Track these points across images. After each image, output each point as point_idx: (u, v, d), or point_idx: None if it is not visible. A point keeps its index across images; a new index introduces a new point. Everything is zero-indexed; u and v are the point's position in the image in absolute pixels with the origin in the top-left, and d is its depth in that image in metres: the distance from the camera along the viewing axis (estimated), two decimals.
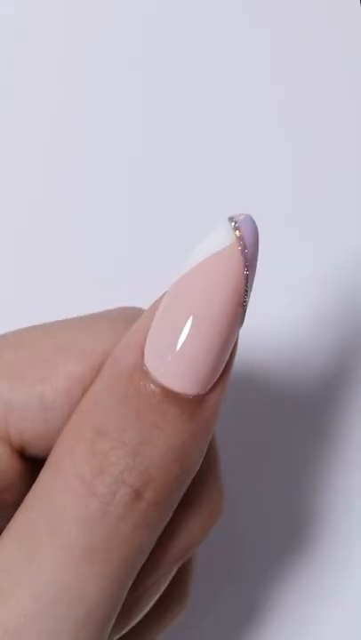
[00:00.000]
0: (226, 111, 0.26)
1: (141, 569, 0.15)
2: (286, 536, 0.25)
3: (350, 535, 0.25)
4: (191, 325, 0.14)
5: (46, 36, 0.26)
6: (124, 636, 0.17)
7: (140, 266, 0.25)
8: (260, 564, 0.24)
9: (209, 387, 0.14)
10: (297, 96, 0.27)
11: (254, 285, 0.14)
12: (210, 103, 0.26)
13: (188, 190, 0.26)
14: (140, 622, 0.17)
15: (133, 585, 0.15)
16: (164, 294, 0.15)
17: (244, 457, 0.24)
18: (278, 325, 0.25)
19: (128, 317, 0.16)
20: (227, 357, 0.15)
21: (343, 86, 0.27)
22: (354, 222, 0.26)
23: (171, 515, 0.15)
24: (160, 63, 0.26)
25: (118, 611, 0.15)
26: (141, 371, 0.14)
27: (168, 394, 0.14)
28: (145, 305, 0.15)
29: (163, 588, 0.17)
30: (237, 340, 0.15)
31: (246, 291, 0.14)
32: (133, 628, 0.17)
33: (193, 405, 0.14)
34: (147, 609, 0.17)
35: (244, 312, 0.14)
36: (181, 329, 0.14)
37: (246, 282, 0.14)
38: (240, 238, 0.14)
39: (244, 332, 0.15)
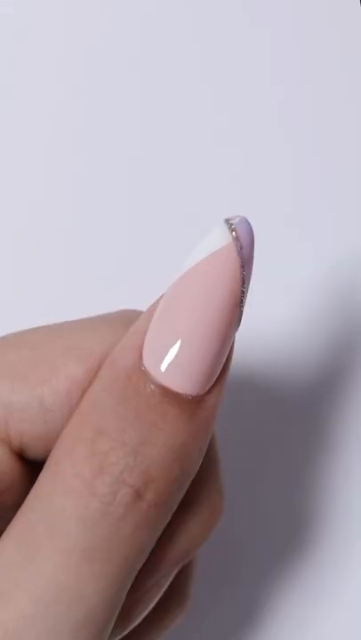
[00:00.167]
0: (226, 111, 0.26)
1: (141, 571, 0.15)
2: (286, 536, 0.24)
3: (350, 535, 0.25)
4: (189, 326, 0.14)
5: (46, 35, 0.26)
6: (123, 638, 0.17)
7: (140, 266, 0.25)
8: (259, 565, 0.24)
9: (208, 387, 0.14)
10: (297, 96, 0.27)
11: (254, 285, 0.15)
12: (210, 103, 0.26)
13: (188, 190, 0.26)
14: (139, 624, 0.17)
15: (133, 587, 0.15)
16: (161, 296, 0.15)
17: (244, 457, 0.24)
18: (278, 325, 0.25)
19: (128, 320, 0.16)
20: (225, 356, 0.15)
21: (343, 86, 0.27)
22: (354, 222, 0.26)
23: (171, 516, 0.15)
24: (160, 63, 0.26)
25: (118, 611, 0.15)
26: (140, 371, 0.14)
27: (167, 394, 0.14)
28: (145, 305, 0.15)
29: (162, 590, 0.17)
30: (234, 341, 0.15)
31: (243, 291, 0.14)
32: (133, 630, 0.17)
33: (192, 406, 0.14)
34: (146, 611, 0.17)
35: (241, 312, 0.14)
36: (179, 329, 0.14)
37: (243, 282, 0.14)
38: (236, 239, 0.14)
39: (245, 332, 0.15)
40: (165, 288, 0.15)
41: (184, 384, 0.14)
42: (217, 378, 0.15)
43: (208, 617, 0.24)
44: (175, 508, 0.15)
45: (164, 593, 0.17)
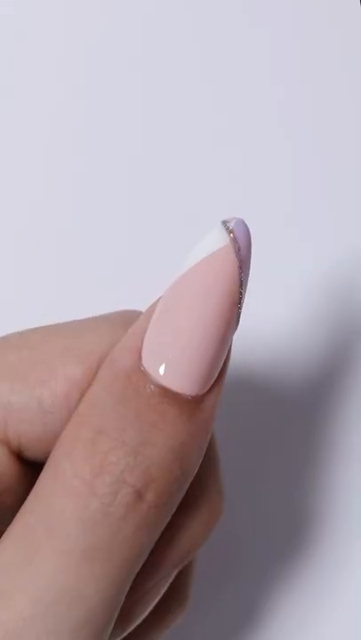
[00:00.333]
0: (226, 111, 0.26)
1: (141, 572, 0.15)
2: (286, 536, 0.24)
3: (350, 535, 0.25)
4: (188, 326, 0.14)
5: (46, 35, 0.26)
6: (124, 638, 0.17)
7: (140, 266, 0.25)
8: (260, 565, 0.24)
9: (207, 387, 0.15)
10: (297, 96, 0.27)
11: (254, 285, 0.15)
12: (210, 103, 0.26)
13: (188, 190, 0.26)
14: (139, 625, 0.17)
15: (133, 588, 0.15)
16: (160, 297, 0.15)
17: (244, 457, 0.24)
18: (278, 325, 0.25)
19: (127, 320, 0.16)
20: (224, 356, 0.15)
21: (343, 86, 0.27)
22: (354, 222, 0.26)
23: (170, 516, 0.15)
24: (160, 63, 0.26)
25: (118, 612, 0.15)
26: (140, 371, 0.14)
27: (167, 394, 0.14)
28: (145, 305, 0.15)
29: (162, 591, 0.17)
30: (232, 341, 0.15)
31: (241, 291, 0.14)
32: (133, 630, 0.17)
33: (192, 406, 0.14)
34: (146, 612, 0.17)
35: (240, 312, 0.15)
36: (178, 330, 0.14)
37: (241, 282, 0.14)
38: (234, 240, 0.14)
39: (244, 332, 0.15)
40: (165, 288, 0.15)
41: (183, 384, 0.14)
42: (216, 378, 0.15)
43: (208, 617, 0.24)
44: (175, 508, 0.15)
45: (165, 593, 0.17)
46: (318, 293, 0.26)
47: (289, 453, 0.25)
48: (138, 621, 0.16)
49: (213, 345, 0.14)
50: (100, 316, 0.17)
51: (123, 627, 0.16)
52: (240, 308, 0.14)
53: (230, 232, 0.14)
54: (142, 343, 0.14)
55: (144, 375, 0.14)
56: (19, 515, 0.14)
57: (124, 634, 0.16)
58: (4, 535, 0.14)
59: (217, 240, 0.14)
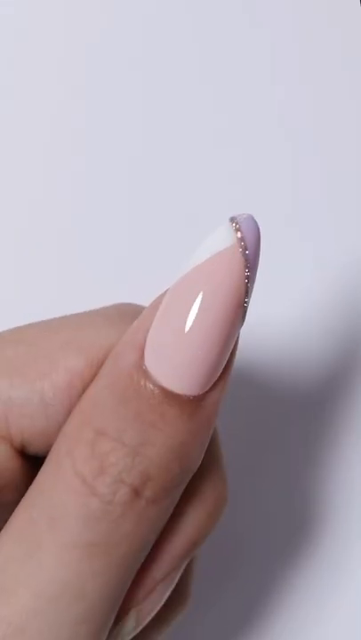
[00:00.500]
0: (226, 111, 0.26)
1: (150, 564, 0.15)
2: (287, 535, 0.25)
3: (351, 535, 0.25)
4: (191, 326, 0.14)
5: (46, 35, 0.26)
6: None
7: (140, 266, 0.25)
8: (260, 564, 0.24)
9: (208, 387, 0.14)
10: (297, 96, 0.27)
11: (255, 285, 0.14)
12: (210, 103, 0.26)
13: (188, 190, 0.26)
14: None
15: (144, 581, 0.15)
16: (164, 293, 0.15)
17: (244, 456, 0.24)
18: (278, 325, 0.25)
19: (125, 313, 0.16)
20: (227, 357, 0.15)
21: (343, 86, 0.27)
22: (354, 222, 0.26)
23: (171, 511, 0.15)
24: (160, 63, 0.26)
25: (118, 606, 0.15)
26: (141, 370, 0.14)
27: (167, 394, 0.14)
28: (145, 305, 0.15)
29: (174, 584, 0.17)
30: (238, 339, 0.15)
31: (247, 292, 0.14)
32: None
33: (192, 405, 0.14)
34: (159, 606, 0.16)
35: (245, 313, 0.14)
36: (182, 330, 0.14)
37: (247, 283, 0.14)
38: (241, 239, 0.14)
39: (245, 332, 0.15)
40: (165, 288, 0.15)
41: (184, 385, 0.14)
42: (220, 376, 0.15)
43: (209, 616, 0.24)
44: (175, 503, 0.15)
45: None
46: (318, 293, 0.26)
47: (289, 453, 0.25)
48: (151, 616, 0.16)
49: (216, 346, 0.14)
50: (97, 309, 0.17)
51: (137, 623, 0.16)
52: (246, 309, 0.14)
53: (238, 230, 0.14)
54: (145, 341, 0.14)
55: (145, 374, 0.14)
56: (19, 508, 0.14)
57: (138, 630, 0.16)
58: (5, 529, 0.14)
59: (224, 238, 0.14)
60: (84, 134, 0.26)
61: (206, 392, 0.14)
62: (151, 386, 0.14)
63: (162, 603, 0.17)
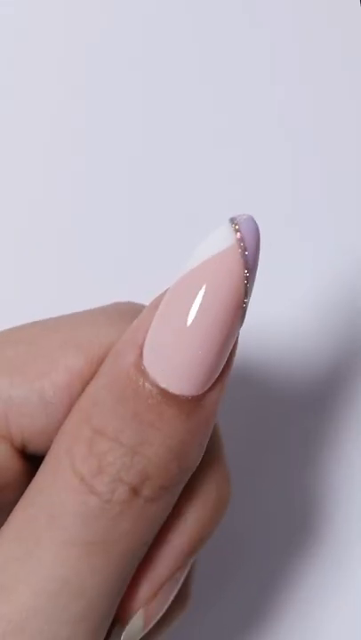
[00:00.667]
0: (226, 111, 0.26)
1: (155, 562, 0.15)
2: (287, 535, 0.25)
3: (351, 535, 0.25)
4: (191, 326, 0.14)
5: (46, 35, 0.26)
6: None
7: (140, 266, 0.25)
8: (260, 564, 0.24)
9: (207, 387, 0.14)
10: (297, 96, 0.27)
11: (254, 285, 0.14)
12: (210, 103, 0.26)
13: (188, 190, 0.26)
14: None
15: (150, 580, 0.15)
16: (164, 292, 0.15)
17: (244, 456, 0.24)
18: (278, 325, 0.25)
19: (124, 311, 0.16)
20: (226, 358, 0.15)
21: (343, 86, 0.27)
22: (354, 222, 0.26)
23: (169, 510, 0.15)
24: (160, 63, 0.26)
25: (117, 603, 0.15)
26: (140, 370, 0.14)
27: (166, 394, 0.14)
28: (145, 304, 0.15)
29: (179, 583, 0.17)
30: (237, 340, 0.15)
31: (246, 292, 0.14)
32: None
33: (191, 405, 0.14)
34: (166, 606, 0.17)
35: (244, 313, 0.14)
36: (181, 329, 0.14)
37: (246, 283, 0.14)
38: (240, 240, 0.14)
39: (244, 332, 0.15)
40: (165, 287, 0.15)
41: (182, 386, 0.14)
42: (219, 375, 0.15)
43: (208, 616, 0.24)
44: (174, 501, 0.15)
45: None
46: (318, 293, 0.26)
47: (289, 453, 0.25)
48: (158, 616, 0.16)
49: (216, 347, 0.14)
50: (96, 308, 0.17)
51: (144, 623, 0.16)
52: (245, 309, 0.14)
53: (237, 231, 0.14)
54: (144, 340, 0.14)
55: (144, 374, 0.14)
56: (18, 506, 0.14)
57: (146, 630, 0.16)
58: (4, 527, 0.14)
59: (224, 238, 0.14)
60: (84, 134, 0.26)
61: (205, 392, 0.14)
62: (150, 386, 0.14)
63: (169, 602, 0.17)
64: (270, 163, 0.26)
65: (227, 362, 0.15)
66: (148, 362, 0.14)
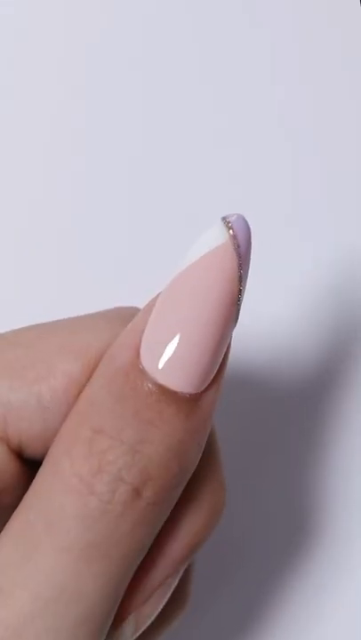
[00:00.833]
0: (226, 111, 0.26)
1: (148, 567, 0.15)
2: (286, 536, 0.24)
3: (350, 535, 0.25)
4: (186, 324, 0.14)
5: (46, 36, 0.26)
6: None
7: (140, 266, 0.25)
8: (259, 565, 0.24)
9: (205, 385, 0.15)
10: (297, 96, 0.27)
11: (254, 285, 0.15)
12: (210, 103, 0.26)
13: (188, 190, 0.26)
14: None
15: (142, 585, 0.15)
16: (158, 294, 0.15)
17: (244, 457, 0.24)
18: (277, 325, 0.25)
19: (125, 316, 0.16)
20: (222, 355, 0.15)
21: (343, 86, 0.27)
22: (354, 222, 0.26)
23: (169, 513, 0.15)
24: (160, 63, 0.26)
25: (117, 607, 0.15)
26: (138, 369, 0.14)
27: (165, 392, 0.14)
28: (144, 305, 0.15)
29: (172, 588, 0.17)
30: (231, 338, 0.15)
31: (240, 289, 0.14)
32: None
33: (190, 404, 0.14)
34: (158, 610, 0.17)
35: (238, 310, 0.14)
36: (176, 328, 0.14)
37: (240, 279, 0.14)
38: (233, 237, 0.14)
39: (244, 332, 0.15)
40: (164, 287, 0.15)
41: (181, 383, 0.14)
42: (215, 375, 0.15)
43: (207, 616, 0.24)
44: (173, 504, 0.15)
45: None
46: (318, 293, 0.26)
47: (289, 453, 0.25)
48: (150, 621, 0.16)
49: (212, 343, 0.14)
50: (97, 312, 0.17)
51: (135, 627, 0.16)
52: (239, 306, 0.14)
53: (230, 229, 0.14)
54: (140, 340, 0.14)
55: (142, 373, 0.14)
56: (17, 511, 0.14)
57: (137, 634, 0.16)
58: (3, 532, 0.14)
59: (216, 236, 0.14)
60: (84, 134, 0.26)
61: (202, 392, 0.15)
62: (148, 384, 0.14)
63: (160, 607, 0.17)
64: (270, 163, 0.26)
65: (221, 363, 0.15)
66: (145, 361, 0.14)
